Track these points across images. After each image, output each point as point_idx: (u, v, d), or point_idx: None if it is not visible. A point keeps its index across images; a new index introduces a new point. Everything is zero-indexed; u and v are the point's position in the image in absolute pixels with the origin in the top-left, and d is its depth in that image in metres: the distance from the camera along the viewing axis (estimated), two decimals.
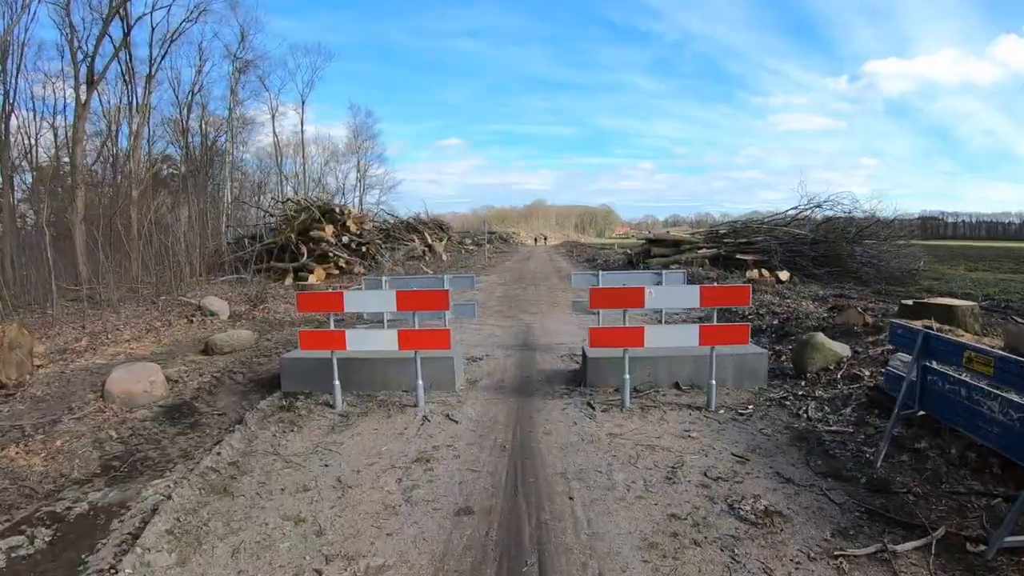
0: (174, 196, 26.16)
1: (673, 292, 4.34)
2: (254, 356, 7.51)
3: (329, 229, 18.87)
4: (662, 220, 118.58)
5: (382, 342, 4.40)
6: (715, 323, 4.43)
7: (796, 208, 18.53)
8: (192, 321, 11.11)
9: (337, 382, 4.69)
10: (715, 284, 4.47)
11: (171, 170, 34.67)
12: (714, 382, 4.55)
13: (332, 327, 4.61)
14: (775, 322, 7.89)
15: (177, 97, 33.28)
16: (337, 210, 19.81)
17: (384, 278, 5.88)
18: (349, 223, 19.71)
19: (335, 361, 4.63)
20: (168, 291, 14.13)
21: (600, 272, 5.79)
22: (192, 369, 7.02)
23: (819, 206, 18.49)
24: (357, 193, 47.98)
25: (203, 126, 35.21)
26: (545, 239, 73.99)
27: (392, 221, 31.70)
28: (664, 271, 5.76)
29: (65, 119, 27.75)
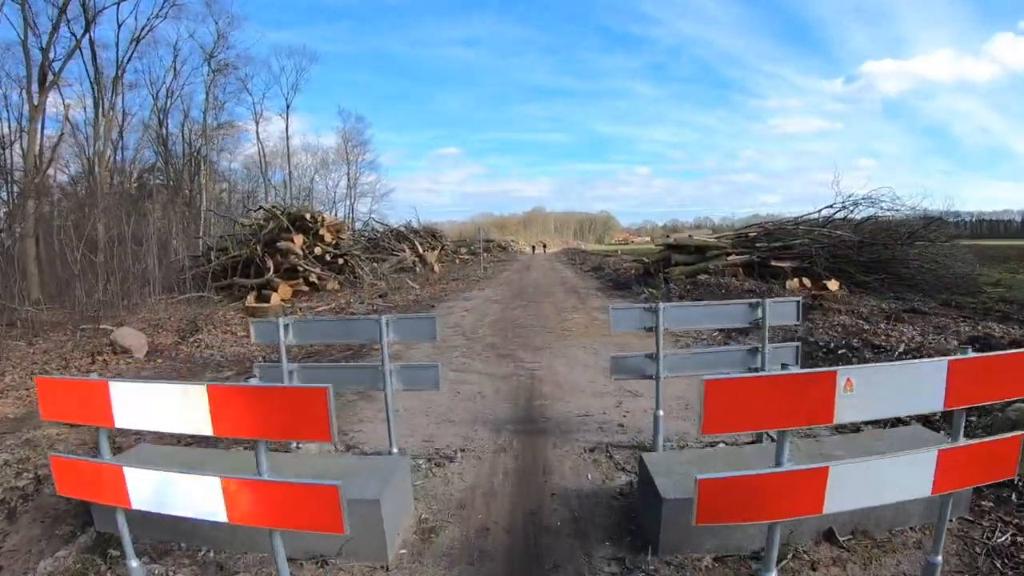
0: (161, 208, 23.85)
1: (891, 379, 1.79)
2: (120, 433, 5.00)
3: (299, 239, 16.37)
4: (661, 225, 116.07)
5: (196, 499, 1.88)
6: (960, 442, 1.91)
7: (832, 207, 16.13)
8: (95, 361, 8.63)
9: (135, 564, 2.18)
10: (965, 355, 1.86)
11: (158, 179, 32.29)
12: (940, 559, 2.06)
13: (105, 453, 2.10)
14: None
15: (155, 102, 30.99)
16: (308, 217, 17.28)
17: (282, 322, 3.36)
18: (323, 232, 17.20)
19: (124, 525, 2.13)
20: (92, 319, 11.65)
21: (661, 305, 3.25)
22: (17, 459, 4.53)
23: (857, 204, 16.11)
24: (348, 202, 45.72)
25: (184, 132, 32.91)
26: (544, 247, 71.26)
27: (381, 230, 29.35)
28: (767, 300, 3.24)
29: (32, 124, 25.47)
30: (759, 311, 3.43)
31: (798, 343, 3.69)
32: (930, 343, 5.95)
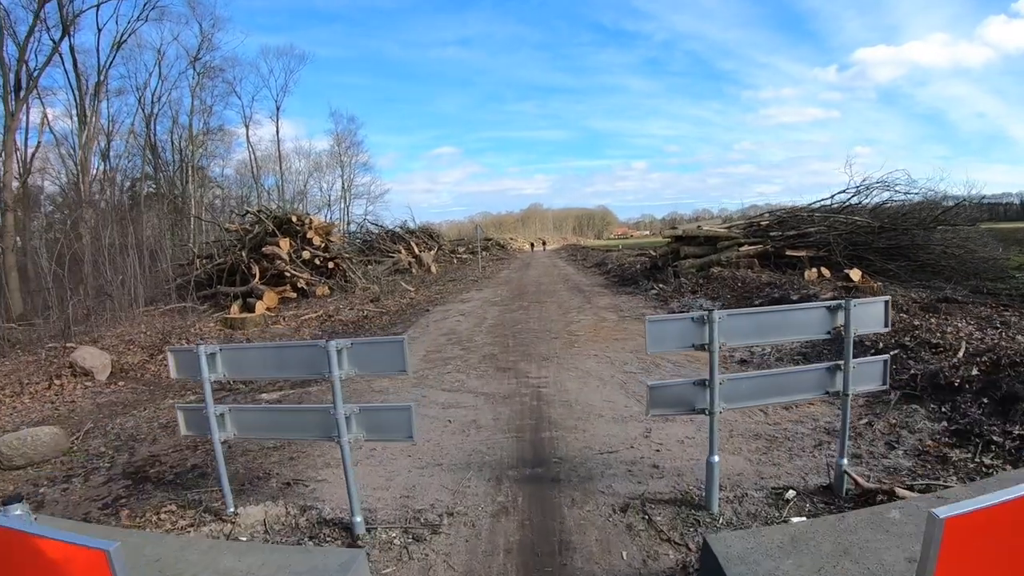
0: (156, 216, 23.05)
1: None
2: (49, 476, 4.21)
3: (285, 243, 15.49)
4: (660, 218, 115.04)
5: None
6: None
7: (845, 191, 15.30)
8: (51, 385, 7.80)
9: None
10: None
11: (149, 188, 31.42)
12: None
13: None
14: (971, 373, 4.48)
15: (142, 109, 30.13)
16: (295, 219, 16.40)
17: (205, 351, 2.51)
18: (310, 235, 16.31)
19: None
20: (62, 336, 10.81)
21: (716, 315, 2.40)
22: None
23: (870, 188, 15.29)
24: (343, 204, 44.82)
25: (174, 139, 32.05)
26: (544, 244, 70.18)
27: (376, 231, 28.52)
28: (854, 302, 2.35)
29: (9, 134, 24.69)
30: (839, 316, 2.57)
31: (887, 356, 2.82)
32: (995, 341, 5.08)
